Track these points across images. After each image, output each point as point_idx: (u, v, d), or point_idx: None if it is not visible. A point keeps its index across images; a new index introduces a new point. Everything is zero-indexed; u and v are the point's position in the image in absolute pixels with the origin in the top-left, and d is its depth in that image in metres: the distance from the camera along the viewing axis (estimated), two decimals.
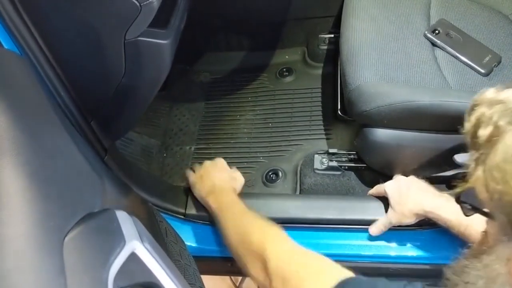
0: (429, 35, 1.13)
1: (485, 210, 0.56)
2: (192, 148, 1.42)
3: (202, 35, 1.54)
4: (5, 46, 0.69)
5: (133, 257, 0.50)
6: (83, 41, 0.82)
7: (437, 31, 1.14)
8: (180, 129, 1.46)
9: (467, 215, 0.61)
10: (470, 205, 0.59)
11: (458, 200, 0.60)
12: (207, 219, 1.18)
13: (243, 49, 1.59)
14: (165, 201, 1.15)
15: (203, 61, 1.60)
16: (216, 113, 1.49)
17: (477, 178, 0.52)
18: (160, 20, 0.86)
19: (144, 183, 1.15)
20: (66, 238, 0.45)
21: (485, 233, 0.60)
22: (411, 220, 1.02)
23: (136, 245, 0.50)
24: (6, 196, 0.46)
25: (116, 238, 0.49)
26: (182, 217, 1.17)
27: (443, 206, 0.97)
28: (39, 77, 0.79)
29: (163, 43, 0.83)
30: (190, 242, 1.16)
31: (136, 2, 0.75)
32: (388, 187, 1.06)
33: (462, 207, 0.61)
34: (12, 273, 0.42)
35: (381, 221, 1.05)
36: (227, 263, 1.22)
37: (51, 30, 0.77)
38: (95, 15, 0.78)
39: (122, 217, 0.52)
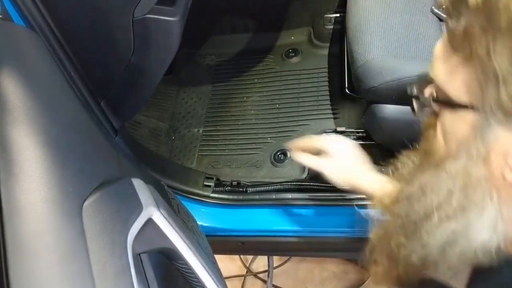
0: (436, 10, 1.13)
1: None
2: (200, 131, 1.42)
3: (207, 18, 1.54)
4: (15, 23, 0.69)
5: (150, 223, 0.50)
6: (92, 19, 0.82)
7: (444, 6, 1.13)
8: (188, 112, 1.47)
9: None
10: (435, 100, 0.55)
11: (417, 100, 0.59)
12: (217, 199, 1.19)
13: (248, 31, 1.58)
14: (176, 181, 1.16)
15: (209, 44, 1.60)
16: (223, 96, 1.49)
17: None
18: None
19: (155, 163, 1.16)
20: (85, 204, 0.46)
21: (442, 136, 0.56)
22: (338, 183, 0.92)
23: (153, 211, 0.51)
24: (25, 164, 0.47)
25: (133, 204, 0.49)
26: (193, 196, 1.18)
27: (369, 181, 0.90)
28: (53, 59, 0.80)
29: (171, 20, 0.83)
30: (201, 221, 1.17)
31: None
32: (335, 145, 0.94)
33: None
34: (34, 236, 0.43)
35: (313, 162, 0.94)
36: (238, 242, 1.24)
37: (59, 8, 0.77)
38: None
39: (139, 184, 0.53)
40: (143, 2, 0.80)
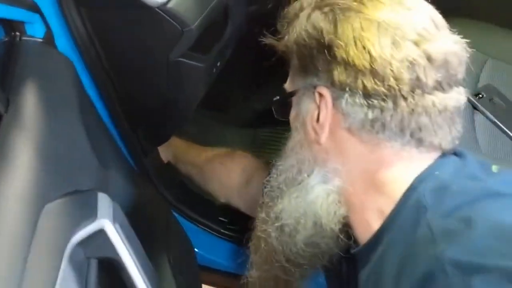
0: (471, 98, 1.13)
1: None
2: None
3: (257, 65, 1.63)
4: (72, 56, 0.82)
5: (101, 233, 0.59)
6: (138, 59, 0.94)
7: (480, 95, 1.14)
8: None
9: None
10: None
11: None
12: (228, 236, 1.25)
13: None
14: (192, 211, 1.24)
15: (256, 90, 1.67)
16: (264, 139, 1.56)
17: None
18: (203, 47, 0.97)
19: (178, 190, 1.25)
20: (46, 206, 0.55)
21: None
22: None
23: (106, 223, 0.59)
24: (12, 162, 0.57)
25: (88, 213, 0.58)
26: (207, 229, 1.25)
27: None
28: (97, 89, 0.93)
29: (198, 66, 0.94)
30: (211, 255, 1.24)
31: (179, 27, 0.86)
32: None
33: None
34: None
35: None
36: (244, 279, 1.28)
37: (113, 45, 0.89)
38: (149, 36, 0.90)
39: (103, 199, 0.62)
40: (177, 47, 0.91)
